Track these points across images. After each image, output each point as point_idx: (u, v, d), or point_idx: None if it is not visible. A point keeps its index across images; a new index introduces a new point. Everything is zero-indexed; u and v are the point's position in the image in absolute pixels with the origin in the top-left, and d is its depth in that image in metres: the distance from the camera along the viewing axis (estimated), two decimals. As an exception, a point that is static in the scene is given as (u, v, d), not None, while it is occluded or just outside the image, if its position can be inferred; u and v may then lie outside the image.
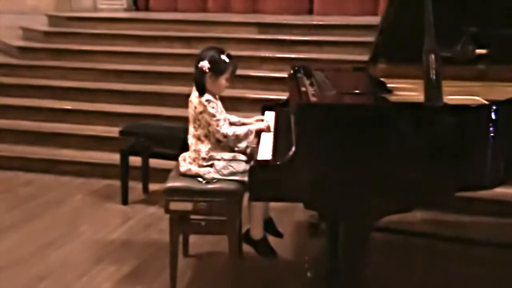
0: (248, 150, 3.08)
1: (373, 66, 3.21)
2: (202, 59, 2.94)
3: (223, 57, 2.96)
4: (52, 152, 5.03)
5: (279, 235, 3.23)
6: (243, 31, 6.19)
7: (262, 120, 3.16)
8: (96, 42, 6.42)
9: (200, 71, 2.94)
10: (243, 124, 3.13)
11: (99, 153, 4.93)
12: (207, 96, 2.93)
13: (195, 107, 2.95)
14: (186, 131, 3.07)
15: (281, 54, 5.64)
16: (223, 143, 2.96)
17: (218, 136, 2.92)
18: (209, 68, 2.93)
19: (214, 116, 2.90)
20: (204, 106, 2.91)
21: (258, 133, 3.03)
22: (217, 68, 2.94)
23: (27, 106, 5.56)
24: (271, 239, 3.15)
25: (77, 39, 6.52)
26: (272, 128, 3.07)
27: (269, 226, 3.18)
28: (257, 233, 3.02)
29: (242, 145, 3.04)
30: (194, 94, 2.98)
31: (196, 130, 2.98)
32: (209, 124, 2.92)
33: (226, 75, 2.97)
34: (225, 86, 3.00)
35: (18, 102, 5.64)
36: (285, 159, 2.36)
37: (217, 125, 2.90)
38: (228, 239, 2.93)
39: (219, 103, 3.01)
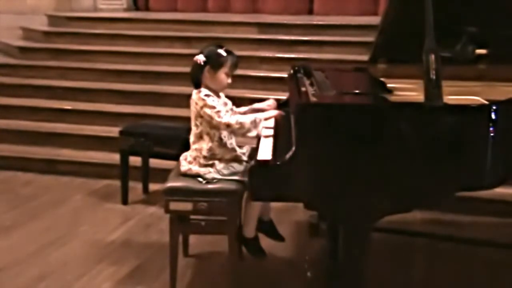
0: (248, 150, 3.08)
1: (373, 66, 3.21)
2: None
3: (220, 51, 2.96)
4: (52, 152, 5.03)
5: (280, 238, 3.22)
6: (243, 31, 6.20)
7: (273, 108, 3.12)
8: (96, 42, 6.42)
9: (195, 64, 2.95)
10: (254, 110, 3.11)
11: (99, 153, 4.93)
12: (205, 91, 2.93)
13: (196, 103, 2.93)
14: (186, 131, 3.07)
15: (281, 54, 5.64)
16: (230, 139, 2.95)
17: (222, 127, 2.88)
18: (205, 62, 2.93)
19: (214, 108, 2.88)
20: (203, 100, 2.89)
21: (267, 118, 3.00)
22: (214, 61, 2.93)
23: (27, 106, 5.57)
24: (272, 240, 3.16)
25: (77, 39, 6.53)
26: (281, 113, 3.03)
27: (270, 229, 3.17)
28: (250, 231, 3.01)
29: (253, 134, 2.94)
30: (194, 92, 2.98)
31: (197, 128, 2.96)
32: (211, 118, 2.89)
33: (225, 69, 2.95)
34: (226, 82, 2.98)
35: (18, 102, 5.65)
36: (285, 159, 2.36)
37: (218, 116, 2.87)
38: (228, 239, 2.93)
39: (222, 99, 3.01)
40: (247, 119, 2.91)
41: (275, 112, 3.05)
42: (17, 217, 4.01)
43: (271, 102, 3.20)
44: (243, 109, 3.16)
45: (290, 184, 2.36)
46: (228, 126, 2.88)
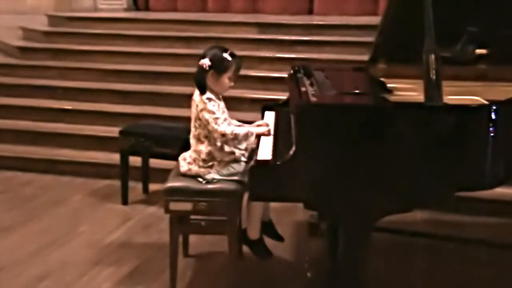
0: (248, 149, 3.07)
1: (373, 66, 3.21)
2: (204, 57, 2.93)
3: (226, 55, 2.94)
4: (52, 152, 5.03)
5: (279, 238, 3.22)
6: (243, 31, 6.19)
7: (266, 125, 3.08)
8: (96, 42, 6.42)
9: (201, 68, 2.92)
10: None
11: (99, 153, 4.93)
12: (208, 94, 2.91)
13: (197, 105, 2.92)
14: (186, 131, 3.06)
15: (281, 54, 5.64)
16: (224, 145, 2.94)
17: (216, 135, 2.87)
18: (210, 66, 2.90)
19: (213, 113, 2.87)
20: (204, 103, 2.88)
21: (258, 134, 3.01)
22: (219, 66, 2.91)
23: (27, 106, 5.56)
24: (271, 240, 3.15)
25: (77, 39, 6.53)
26: (272, 132, 3.02)
27: (270, 229, 3.16)
28: (254, 233, 3.01)
29: (242, 146, 2.99)
30: (197, 92, 2.96)
31: (196, 130, 2.96)
32: (208, 123, 2.88)
33: (229, 74, 2.94)
34: (229, 85, 2.97)
35: (18, 102, 5.64)
36: (285, 159, 2.36)
37: (215, 123, 2.86)
38: (228, 239, 2.93)
39: (222, 104, 2.99)
40: (241, 131, 2.91)
41: (266, 129, 3.00)
42: (17, 217, 4.01)
43: (261, 122, 3.12)
44: (234, 122, 3.11)
45: (290, 184, 2.36)
46: (223, 135, 2.87)
